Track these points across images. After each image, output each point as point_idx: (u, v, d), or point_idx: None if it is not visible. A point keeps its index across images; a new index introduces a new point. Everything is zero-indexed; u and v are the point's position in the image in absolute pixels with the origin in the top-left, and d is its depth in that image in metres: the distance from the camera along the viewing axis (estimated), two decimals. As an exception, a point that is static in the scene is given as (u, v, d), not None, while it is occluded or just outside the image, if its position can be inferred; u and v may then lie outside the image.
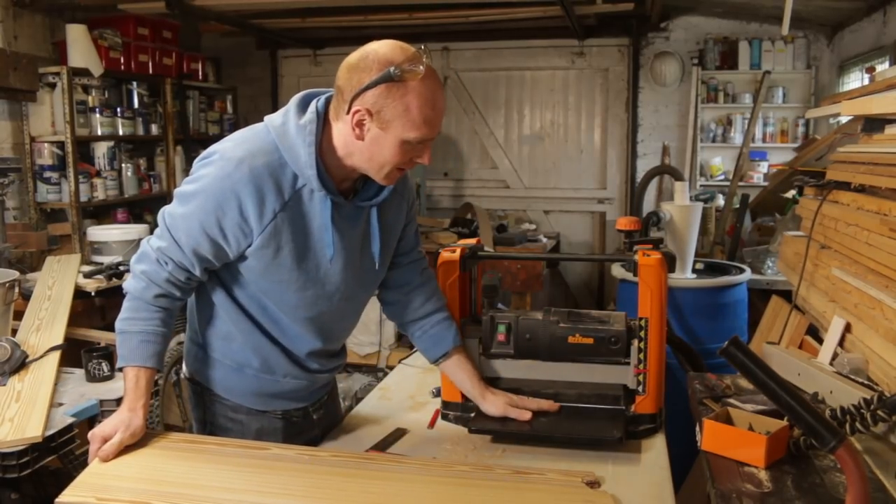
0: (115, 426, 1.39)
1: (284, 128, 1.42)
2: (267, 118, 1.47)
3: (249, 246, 1.42)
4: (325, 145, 1.43)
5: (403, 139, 1.36)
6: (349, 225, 1.51)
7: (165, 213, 1.46)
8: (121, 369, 1.46)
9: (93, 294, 3.17)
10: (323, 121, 1.42)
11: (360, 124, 1.36)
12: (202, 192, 1.39)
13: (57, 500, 1.26)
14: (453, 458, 1.60)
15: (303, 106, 1.44)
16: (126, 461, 1.38)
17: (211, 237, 1.41)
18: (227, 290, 1.53)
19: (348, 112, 1.36)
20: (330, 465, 1.41)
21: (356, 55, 1.37)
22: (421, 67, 1.33)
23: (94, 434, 1.39)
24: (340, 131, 1.41)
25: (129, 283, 1.48)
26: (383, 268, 1.64)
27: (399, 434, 1.72)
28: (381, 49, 1.35)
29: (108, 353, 2.15)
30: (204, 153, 1.45)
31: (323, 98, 1.45)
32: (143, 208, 5.19)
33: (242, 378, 1.58)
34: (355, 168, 1.44)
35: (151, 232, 1.53)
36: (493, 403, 1.66)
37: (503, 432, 1.66)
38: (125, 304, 1.47)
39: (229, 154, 1.39)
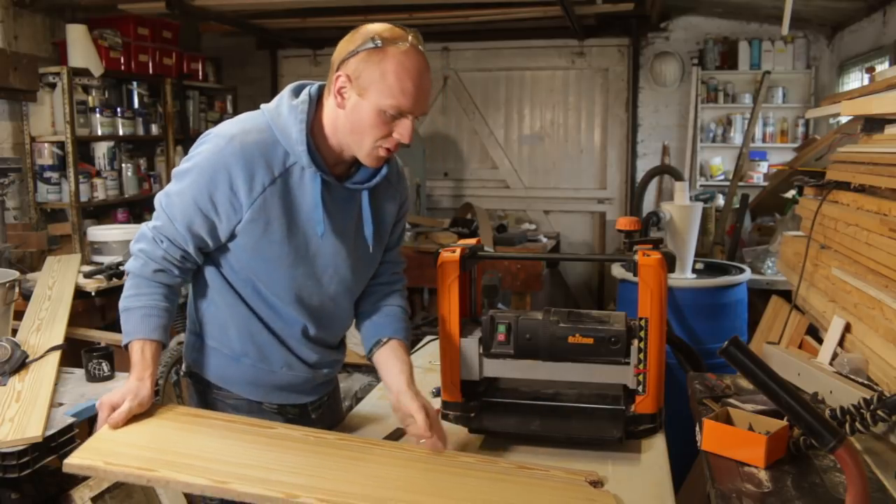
0: (124, 395, 1.39)
1: (278, 109, 1.49)
2: (263, 104, 1.53)
3: (239, 222, 1.46)
4: (316, 126, 1.49)
5: (379, 107, 1.40)
6: (341, 207, 1.54)
7: (161, 193, 1.51)
8: (127, 347, 1.47)
9: (93, 294, 3.17)
10: (316, 104, 1.49)
11: (341, 91, 1.43)
12: (195, 167, 1.45)
13: (66, 461, 1.26)
14: (453, 457, 1.60)
15: (296, 91, 1.52)
16: (134, 429, 1.38)
17: (204, 212, 1.45)
18: (222, 276, 1.56)
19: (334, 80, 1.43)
20: (336, 448, 1.42)
21: (351, 32, 1.44)
22: (403, 42, 1.39)
23: (103, 402, 1.39)
24: (329, 106, 1.47)
25: (129, 264, 1.52)
26: (377, 253, 1.65)
27: (399, 434, 1.72)
28: (373, 25, 1.43)
29: (109, 353, 2.14)
30: (201, 135, 1.52)
31: (316, 85, 1.52)
32: (144, 208, 5.19)
33: (239, 367, 1.59)
34: (343, 146, 1.48)
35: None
36: (396, 410, 1.54)
37: (503, 432, 1.66)
38: (126, 283, 1.51)
39: (223, 132, 1.47)
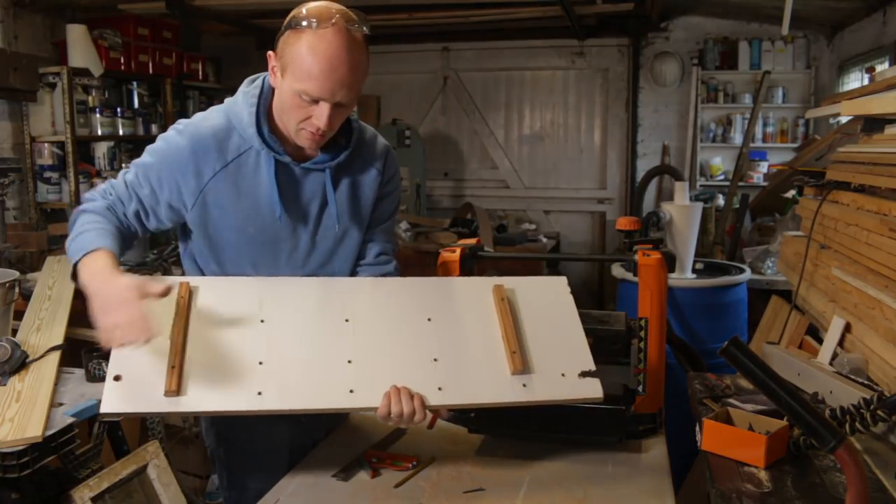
0: (107, 309, 1.27)
1: (235, 98, 1.53)
2: (227, 98, 1.57)
3: (186, 207, 1.49)
4: (272, 112, 1.50)
5: (296, 89, 1.39)
6: (303, 190, 1.54)
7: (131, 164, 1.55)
8: (75, 276, 1.37)
9: (93, 294, 3.16)
10: (271, 91, 1.50)
11: (273, 69, 1.44)
12: (155, 150, 1.52)
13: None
14: (453, 458, 1.61)
15: (252, 81, 1.55)
16: None
17: (151, 185, 1.49)
18: (200, 271, 1.59)
19: None
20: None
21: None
22: (325, 24, 1.35)
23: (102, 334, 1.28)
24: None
25: (75, 210, 1.52)
26: (354, 233, 1.62)
27: (399, 434, 1.72)
28: (307, 4, 1.41)
29: (109, 353, 2.14)
30: None
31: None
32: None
33: None
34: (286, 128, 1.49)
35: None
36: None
37: (503, 432, 1.66)
38: (70, 225, 1.49)
39: (183, 122, 1.52)
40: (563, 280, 1.61)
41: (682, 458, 1.89)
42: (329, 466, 1.57)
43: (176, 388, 1.28)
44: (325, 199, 1.56)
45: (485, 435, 1.69)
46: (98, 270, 1.33)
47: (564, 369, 1.43)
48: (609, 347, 1.66)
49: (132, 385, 1.30)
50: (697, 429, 1.57)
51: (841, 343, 2.08)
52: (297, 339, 1.41)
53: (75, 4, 4.69)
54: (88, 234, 1.41)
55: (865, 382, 1.76)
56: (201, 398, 1.30)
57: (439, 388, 1.38)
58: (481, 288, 1.56)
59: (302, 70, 1.36)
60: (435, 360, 1.42)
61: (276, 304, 1.44)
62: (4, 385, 1.97)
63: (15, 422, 1.75)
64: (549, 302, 1.56)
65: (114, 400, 1.28)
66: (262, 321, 1.41)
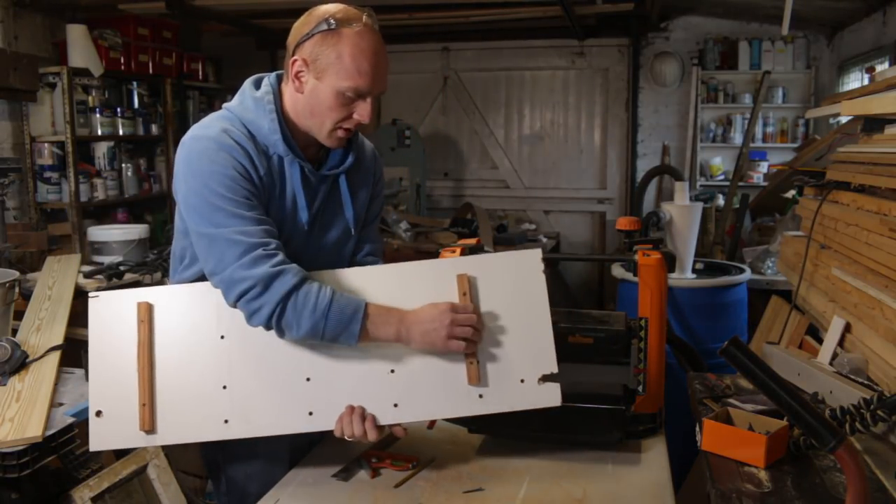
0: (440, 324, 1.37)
1: (243, 105, 1.48)
2: (225, 104, 1.52)
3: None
4: (283, 114, 1.49)
5: (338, 89, 1.40)
6: (317, 195, 1.55)
7: (200, 232, 1.39)
8: (363, 331, 1.36)
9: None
10: (278, 92, 1.49)
11: (298, 76, 1.43)
12: (215, 172, 1.37)
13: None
14: (453, 458, 1.61)
15: (256, 84, 1.52)
16: None
17: (248, 196, 1.39)
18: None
19: (291, 66, 1.43)
20: None
21: (305, 14, 1.45)
22: (357, 23, 1.40)
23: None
24: (288, 92, 1.48)
25: (272, 291, 1.34)
26: (353, 234, 1.64)
27: (390, 440, 1.71)
28: (325, 6, 1.43)
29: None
30: (179, 147, 1.45)
31: (274, 74, 1.53)
32: (144, 208, 5.18)
33: None
34: (305, 130, 1.48)
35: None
36: None
37: (503, 432, 1.66)
38: (291, 306, 1.35)
39: (205, 134, 1.42)
40: (536, 254, 1.48)
41: (682, 458, 1.89)
42: (329, 466, 1.57)
43: (149, 425, 1.37)
44: (332, 203, 1.57)
45: (485, 435, 1.69)
46: (395, 320, 1.40)
47: (525, 373, 1.42)
48: (609, 347, 1.66)
49: (113, 421, 1.39)
50: (697, 429, 1.57)
51: (841, 343, 2.08)
52: (257, 356, 1.43)
53: (75, 4, 4.69)
54: (336, 304, 1.36)
55: (865, 382, 1.76)
56: (175, 431, 1.39)
57: (395, 405, 1.41)
58: (445, 274, 1.47)
59: (350, 69, 1.39)
60: (392, 371, 1.43)
61: (231, 315, 1.42)
62: (4, 385, 1.97)
63: (15, 422, 1.76)
64: (517, 286, 1.46)
65: (100, 437, 1.39)
66: (221, 337, 1.44)
